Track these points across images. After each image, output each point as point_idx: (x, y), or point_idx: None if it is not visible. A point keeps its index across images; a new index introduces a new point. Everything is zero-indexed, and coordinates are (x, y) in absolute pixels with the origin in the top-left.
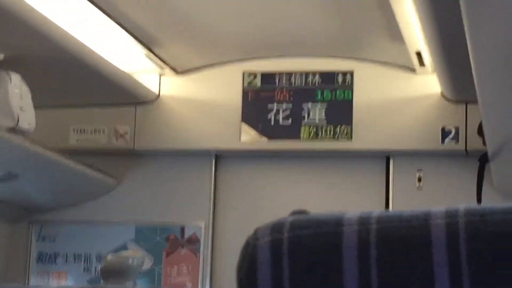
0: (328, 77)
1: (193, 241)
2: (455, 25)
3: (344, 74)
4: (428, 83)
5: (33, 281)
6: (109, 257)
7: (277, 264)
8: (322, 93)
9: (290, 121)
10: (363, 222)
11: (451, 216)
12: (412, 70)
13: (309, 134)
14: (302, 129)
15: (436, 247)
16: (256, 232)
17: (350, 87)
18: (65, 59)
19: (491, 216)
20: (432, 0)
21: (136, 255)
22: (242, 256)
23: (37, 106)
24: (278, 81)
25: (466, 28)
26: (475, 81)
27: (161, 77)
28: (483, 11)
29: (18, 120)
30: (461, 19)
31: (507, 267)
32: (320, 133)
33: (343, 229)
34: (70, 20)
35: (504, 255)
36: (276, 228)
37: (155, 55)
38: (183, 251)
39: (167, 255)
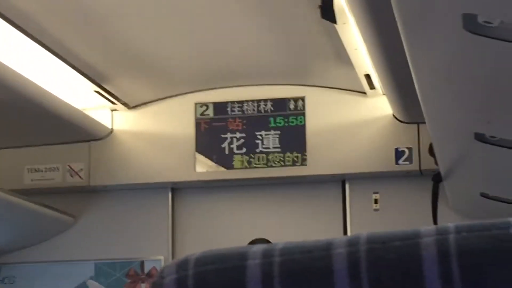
0: (280, 103)
1: (154, 275)
2: (401, 50)
3: (296, 100)
4: (379, 105)
5: None
6: None
7: None
8: (274, 120)
9: (244, 150)
10: (267, 255)
11: (352, 245)
12: (363, 93)
13: (262, 162)
14: (257, 157)
15: (338, 277)
16: (162, 270)
17: (302, 113)
18: (16, 99)
19: (392, 242)
20: (376, 27)
21: None
22: None
23: None
24: (231, 110)
25: (407, 53)
26: (421, 103)
27: (113, 112)
28: (421, 38)
29: None
30: None
31: None
32: (274, 161)
33: (247, 263)
34: (20, 61)
35: (405, 280)
36: (182, 265)
37: (106, 91)
38: (144, 286)
39: None
